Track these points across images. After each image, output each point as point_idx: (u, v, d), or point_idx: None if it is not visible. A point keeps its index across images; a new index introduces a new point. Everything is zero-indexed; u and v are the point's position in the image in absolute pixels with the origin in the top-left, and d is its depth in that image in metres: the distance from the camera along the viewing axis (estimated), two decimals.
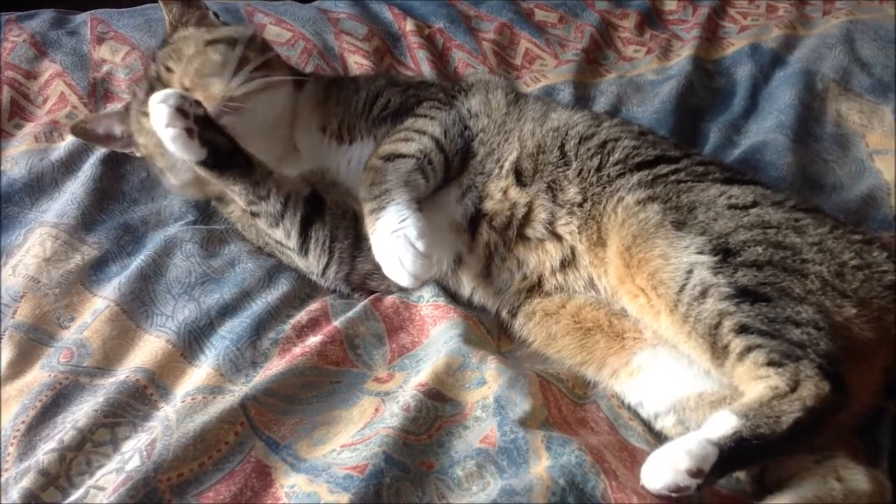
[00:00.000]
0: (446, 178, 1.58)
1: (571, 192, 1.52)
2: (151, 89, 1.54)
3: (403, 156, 1.51)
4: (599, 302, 1.50)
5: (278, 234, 1.59)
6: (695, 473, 1.12)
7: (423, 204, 1.51)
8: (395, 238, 1.37)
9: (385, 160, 1.51)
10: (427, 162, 1.52)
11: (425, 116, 1.63)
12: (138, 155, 1.77)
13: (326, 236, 1.57)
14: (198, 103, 1.45)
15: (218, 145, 1.47)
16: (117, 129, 1.75)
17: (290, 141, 1.70)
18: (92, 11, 2.30)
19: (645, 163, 1.54)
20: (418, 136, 1.56)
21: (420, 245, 1.36)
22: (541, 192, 1.54)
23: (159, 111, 1.40)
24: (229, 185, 1.54)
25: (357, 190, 1.54)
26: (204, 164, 1.48)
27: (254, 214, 1.59)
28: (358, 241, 1.57)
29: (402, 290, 1.55)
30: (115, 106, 1.98)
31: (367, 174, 1.51)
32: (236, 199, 1.58)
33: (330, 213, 1.59)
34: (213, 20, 1.76)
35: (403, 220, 1.39)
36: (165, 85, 1.55)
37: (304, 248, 1.58)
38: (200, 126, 1.44)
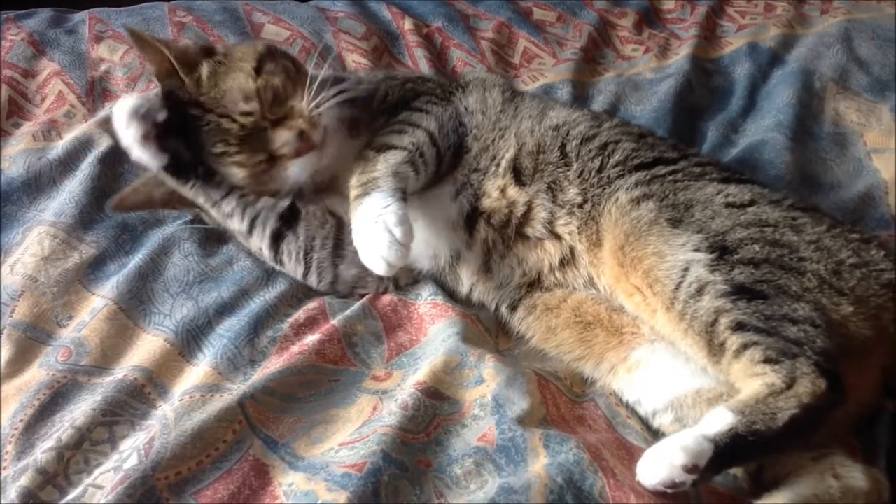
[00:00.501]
0: (438, 172, 1.57)
1: (572, 193, 1.52)
2: (231, 141, 1.47)
3: (395, 147, 1.51)
4: (600, 297, 1.50)
5: (252, 247, 1.62)
6: (690, 469, 1.12)
7: (418, 201, 1.52)
8: (373, 224, 1.37)
9: (377, 151, 1.51)
10: (419, 155, 1.51)
11: (421, 110, 1.63)
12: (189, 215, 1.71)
13: (300, 248, 1.57)
14: (156, 108, 1.45)
15: (180, 155, 1.49)
16: (156, 193, 1.63)
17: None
18: (90, 10, 2.30)
19: (644, 164, 1.54)
20: (412, 129, 1.56)
21: (398, 232, 1.36)
22: (540, 192, 1.54)
23: (117, 116, 1.44)
24: (194, 197, 1.56)
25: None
26: (166, 170, 1.50)
27: (227, 228, 1.62)
28: (339, 249, 1.56)
29: (398, 288, 1.57)
30: (113, 104, 1.97)
31: (357, 164, 1.50)
32: (209, 212, 1.60)
33: (305, 225, 1.58)
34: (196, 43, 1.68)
35: (386, 207, 1.38)
36: (250, 129, 1.46)
37: (277, 259, 1.59)
38: (160, 130, 1.45)
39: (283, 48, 1.69)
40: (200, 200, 1.56)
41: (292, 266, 1.59)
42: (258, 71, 1.51)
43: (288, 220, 1.58)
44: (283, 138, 1.46)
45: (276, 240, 1.58)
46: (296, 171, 1.49)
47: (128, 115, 1.43)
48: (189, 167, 1.51)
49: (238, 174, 1.50)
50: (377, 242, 1.36)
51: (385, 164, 1.46)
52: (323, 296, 1.59)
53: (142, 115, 1.43)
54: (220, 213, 1.58)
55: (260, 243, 1.59)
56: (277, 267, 1.61)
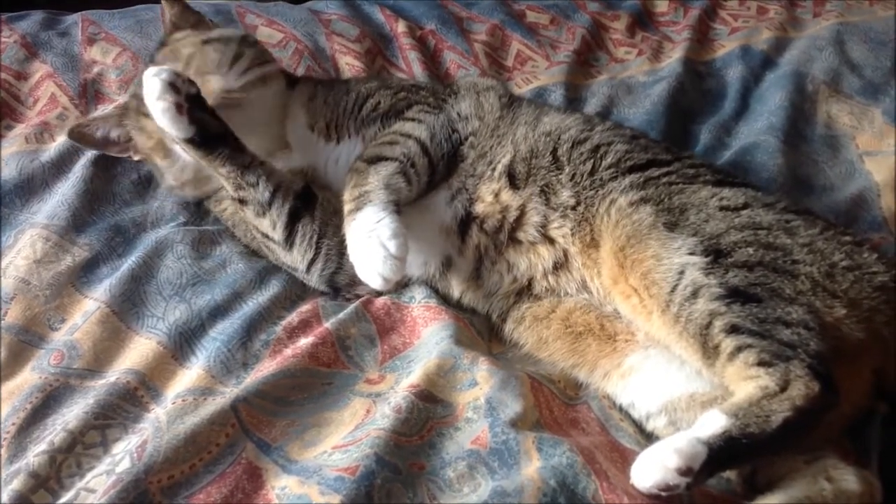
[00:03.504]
0: (431, 181, 1.58)
1: (565, 196, 1.52)
2: None
3: (387, 159, 1.51)
4: (590, 305, 1.50)
5: (265, 224, 1.58)
6: (684, 472, 1.12)
7: (411, 207, 1.52)
8: (367, 239, 1.38)
9: (368, 163, 1.51)
10: (410, 165, 1.52)
11: (413, 120, 1.63)
12: (135, 159, 1.77)
13: (315, 231, 1.57)
14: (191, 82, 1.47)
15: (207, 126, 1.49)
16: (114, 133, 1.74)
17: (282, 138, 1.71)
18: (83, 12, 2.29)
19: (637, 166, 1.54)
20: (403, 140, 1.56)
21: (392, 246, 1.36)
22: (533, 196, 1.54)
23: (151, 84, 1.43)
24: (217, 167, 1.54)
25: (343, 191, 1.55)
26: (191, 141, 1.49)
27: (241, 202, 1.57)
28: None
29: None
30: (106, 107, 1.97)
31: (350, 176, 1.51)
32: (224, 183, 1.58)
33: (321, 209, 1.58)
34: (210, 24, 1.80)
35: (379, 222, 1.39)
36: None
37: (289, 241, 1.57)
38: (191, 103, 1.46)
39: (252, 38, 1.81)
40: (224, 171, 1.54)
41: (301, 249, 1.57)
42: (204, 43, 1.67)
43: (304, 201, 1.58)
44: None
45: (294, 218, 1.57)
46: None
47: (162, 87, 1.43)
48: (217, 138, 1.51)
49: (146, 126, 1.64)
50: (372, 257, 1.36)
51: (377, 177, 1.47)
52: (316, 298, 1.59)
53: (177, 86, 1.44)
54: (243, 181, 1.54)
55: (277, 218, 1.56)
56: (282, 252, 1.60)
